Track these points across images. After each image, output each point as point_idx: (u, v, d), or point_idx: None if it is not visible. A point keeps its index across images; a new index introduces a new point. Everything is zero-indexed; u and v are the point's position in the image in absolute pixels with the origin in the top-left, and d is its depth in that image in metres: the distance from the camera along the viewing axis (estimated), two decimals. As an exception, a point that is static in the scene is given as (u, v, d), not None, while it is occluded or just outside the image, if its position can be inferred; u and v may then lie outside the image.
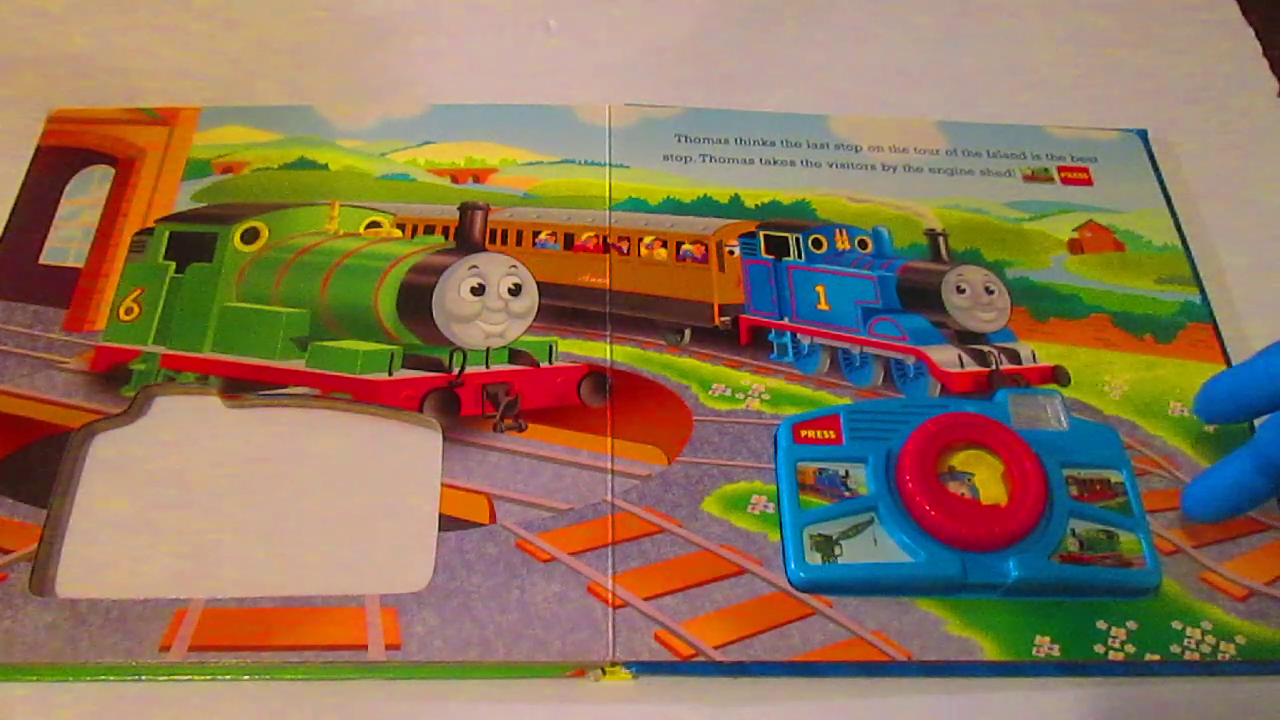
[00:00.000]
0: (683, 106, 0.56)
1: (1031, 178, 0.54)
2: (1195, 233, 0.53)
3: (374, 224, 0.51)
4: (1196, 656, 0.40)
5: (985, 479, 0.43)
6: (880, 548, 0.41)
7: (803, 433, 0.44)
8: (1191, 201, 0.55)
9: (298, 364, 0.46)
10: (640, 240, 0.50)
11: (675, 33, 0.62)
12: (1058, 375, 0.48)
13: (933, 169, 0.54)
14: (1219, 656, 0.40)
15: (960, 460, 0.43)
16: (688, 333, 0.48)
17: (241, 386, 0.45)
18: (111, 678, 0.39)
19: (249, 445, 0.44)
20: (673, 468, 0.44)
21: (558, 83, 0.58)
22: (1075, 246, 0.52)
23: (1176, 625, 0.41)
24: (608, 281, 0.49)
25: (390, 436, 0.45)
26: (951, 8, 0.64)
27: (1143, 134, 0.56)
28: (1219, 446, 0.45)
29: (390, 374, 0.45)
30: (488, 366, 0.46)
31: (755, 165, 0.54)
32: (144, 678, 0.39)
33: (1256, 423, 0.43)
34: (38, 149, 0.52)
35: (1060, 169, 0.55)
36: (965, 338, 0.49)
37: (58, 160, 0.52)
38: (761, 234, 0.51)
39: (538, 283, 0.48)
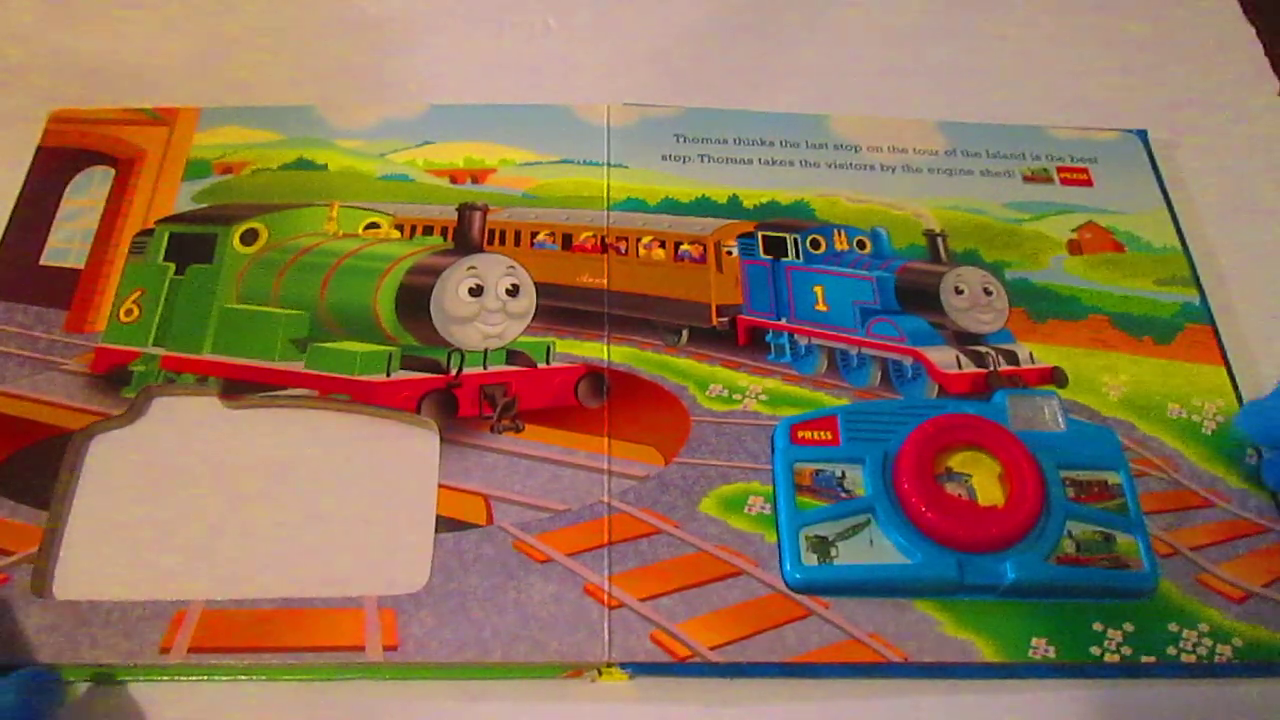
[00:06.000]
0: (681, 106, 0.56)
1: (1031, 178, 0.54)
2: (1195, 234, 0.53)
3: (373, 225, 0.51)
4: (1193, 658, 0.40)
5: (982, 480, 0.43)
6: (877, 549, 0.41)
7: (800, 433, 0.44)
8: (1191, 203, 0.55)
9: (297, 365, 0.46)
10: (638, 240, 0.50)
11: (675, 32, 0.62)
12: (1056, 376, 0.47)
13: (932, 169, 0.54)
14: (1215, 659, 0.40)
15: (958, 461, 0.43)
16: (685, 333, 0.48)
17: (241, 388, 0.46)
18: (111, 679, 0.39)
19: (248, 447, 0.45)
20: (670, 468, 0.44)
21: (556, 82, 0.58)
22: (1074, 247, 0.52)
23: (1173, 627, 0.41)
24: (606, 282, 0.49)
25: (388, 438, 0.45)
26: (951, 8, 0.64)
27: (1142, 134, 0.56)
28: (1218, 448, 0.46)
29: (388, 375, 0.46)
30: (485, 367, 0.46)
31: (754, 165, 0.54)
32: (144, 679, 0.40)
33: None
34: (38, 149, 0.52)
35: (1060, 170, 0.54)
36: (963, 339, 0.49)
37: (58, 161, 0.52)
38: (760, 234, 0.51)
39: (536, 283, 0.48)
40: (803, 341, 0.48)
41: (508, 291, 0.48)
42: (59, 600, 0.40)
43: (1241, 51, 0.62)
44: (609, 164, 0.53)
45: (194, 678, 0.40)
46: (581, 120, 0.55)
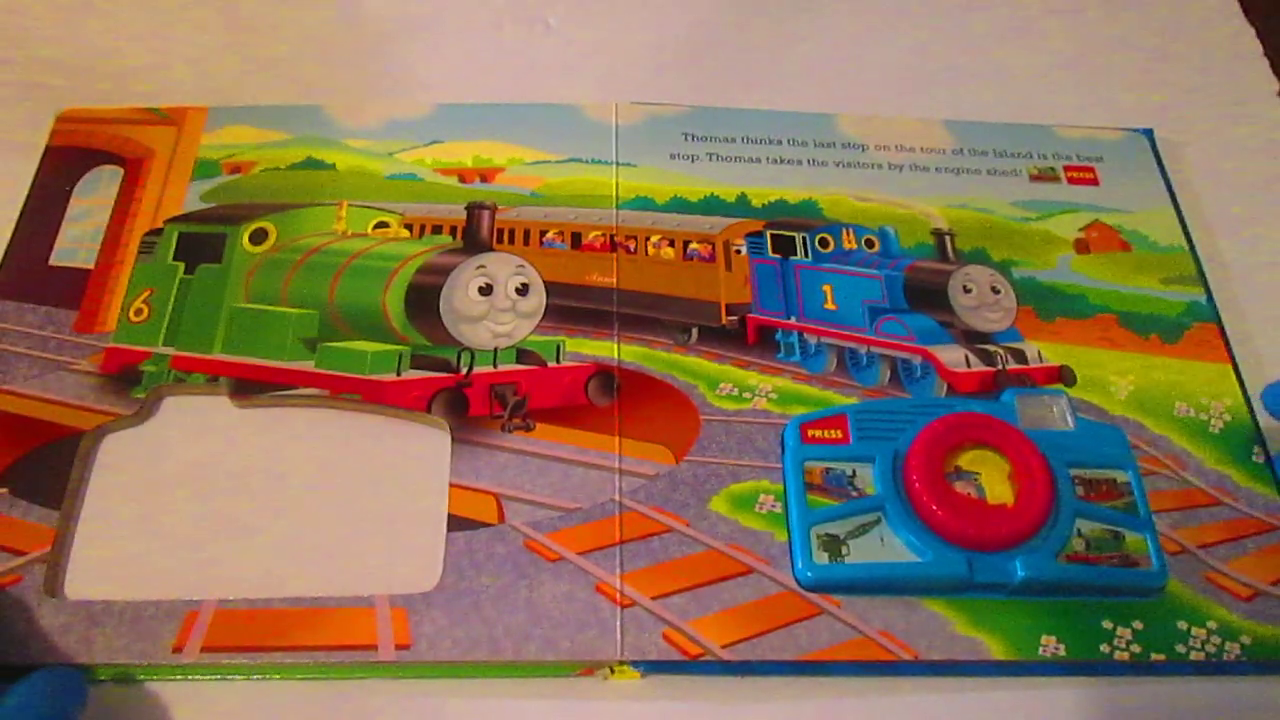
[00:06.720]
0: (689, 105, 0.56)
1: (1038, 177, 0.54)
2: (1201, 233, 0.53)
3: (382, 224, 0.51)
4: (1201, 656, 0.40)
5: (992, 479, 0.43)
6: (887, 547, 0.41)
7: (810, 432, 0.44)
8: (1197, 201, 0.55)
9: (307, 365, 0.46)
10: (647, 239, 0.51)
11: (682, 31, 0.62)
12: (1064, 375, 0.48)
13: (939, 168, 0.54)
14: (1224, 656, 0.40)
15: (967, 460, 0.43)
16: (695, 332, 0.48)
17: (251, 388, 0.46)
18: (125, 678, 0.40)
19: (259, 446, 0.45)
20: (680, 467, 0.44)
21: (565, 81, 0.58)
22: (1081, 246, 0.52)
23: (1182, 625, 0.41)
24: (615, 281, 0.49)
25: (399, 437, 0.45)
26: (958, 7, 0.64)
27: (1149, 134, 0.56)
28: (1225, 447, 0.46)
29: (399, 374, 0.46)
30: (495, 366, 0.46)
31: (762, 164, 0.54)
32: (157, 679, 0.40)
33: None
34: (47, 149, 0.52)
35: (1066, 168, 0.55)
36: (972, 337, 0.49)
37: (67, 160, 0.52)
38: (768, 233, 0.51)
39: (545, 282, 0.48)
40: (812, 340, 0.49)
41: (517, 290, 0.48)
42: (71, 600, 0.40)
43: (1242, 52, 0.62)
44: (617, 163, 0.53)
45: (207, 677, 0.40)
46: (589, 119, 0.55)
